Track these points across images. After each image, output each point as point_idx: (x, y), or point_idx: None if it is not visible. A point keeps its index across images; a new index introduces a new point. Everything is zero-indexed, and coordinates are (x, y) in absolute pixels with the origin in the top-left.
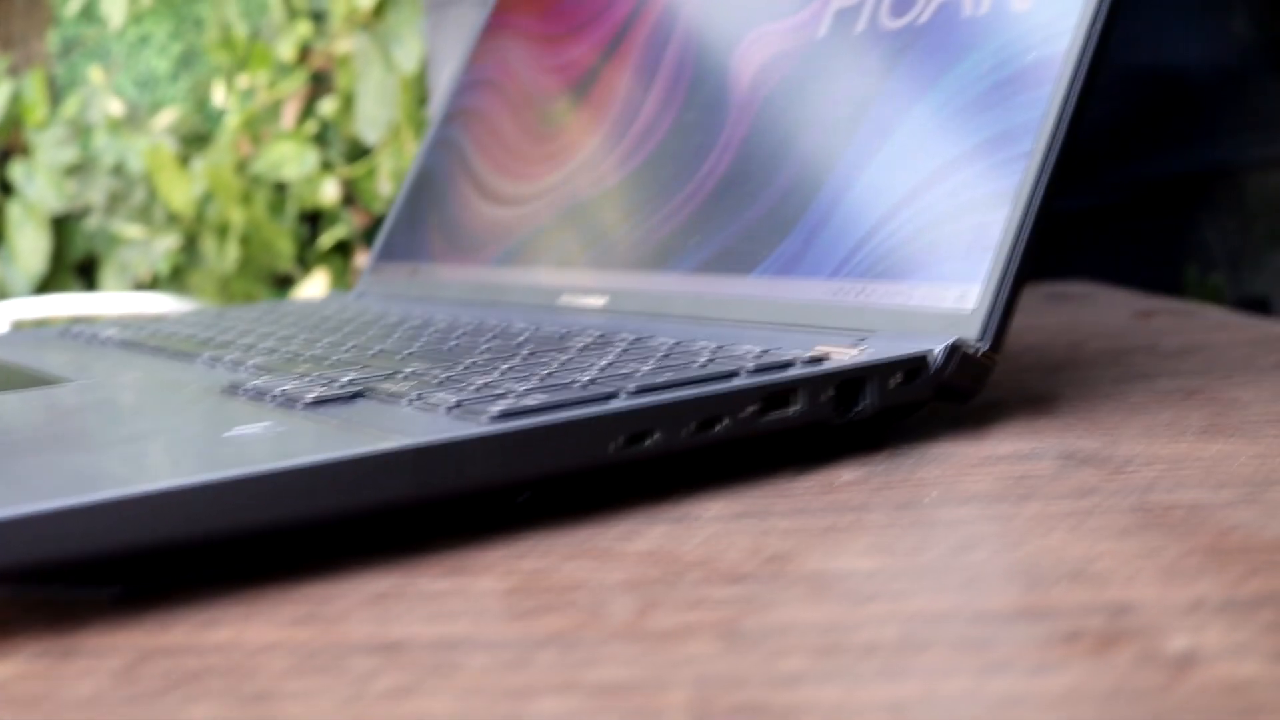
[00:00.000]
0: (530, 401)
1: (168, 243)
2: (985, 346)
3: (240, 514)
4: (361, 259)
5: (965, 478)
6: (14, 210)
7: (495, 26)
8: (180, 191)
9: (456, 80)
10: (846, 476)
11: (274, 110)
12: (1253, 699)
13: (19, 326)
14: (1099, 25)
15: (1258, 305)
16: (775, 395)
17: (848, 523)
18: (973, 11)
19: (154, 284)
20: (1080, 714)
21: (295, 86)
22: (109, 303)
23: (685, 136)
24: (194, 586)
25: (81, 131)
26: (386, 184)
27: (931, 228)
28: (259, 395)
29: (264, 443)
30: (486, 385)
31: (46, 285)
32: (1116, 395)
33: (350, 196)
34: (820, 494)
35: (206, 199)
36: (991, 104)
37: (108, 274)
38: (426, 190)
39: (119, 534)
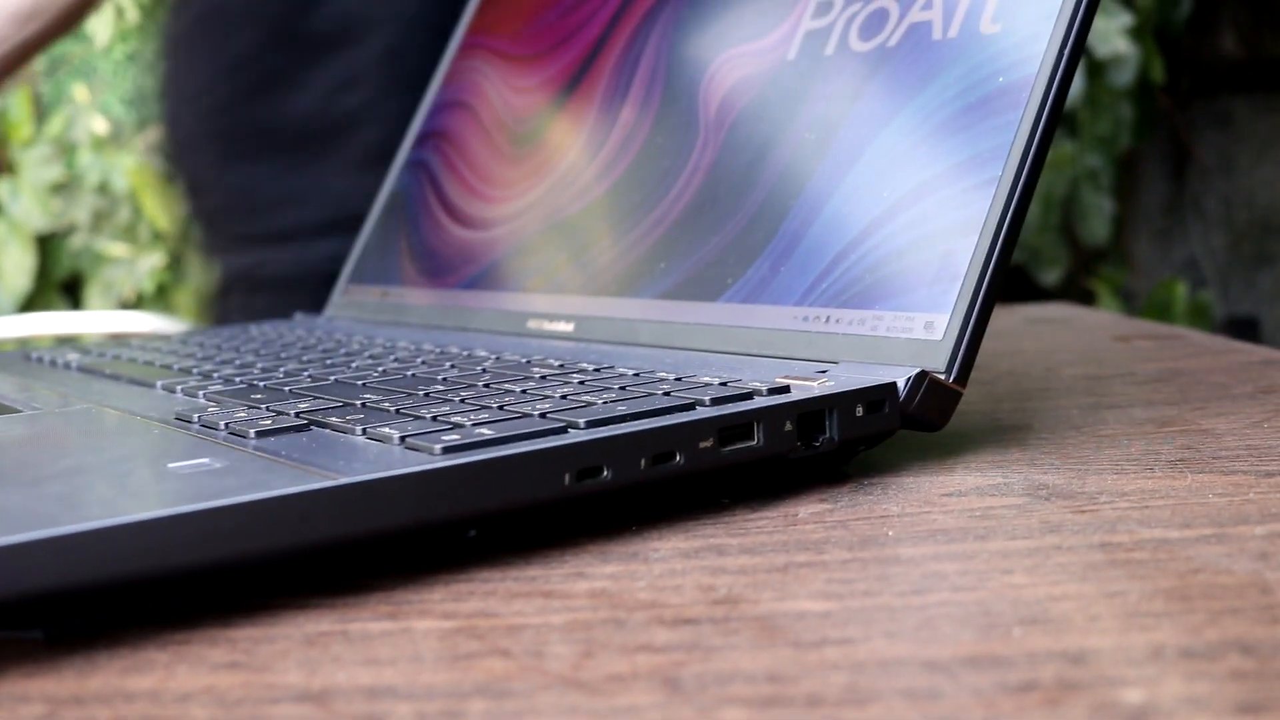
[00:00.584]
0: (480, 435)
1: (152, 261)
2: (952, 376)
3: (172, 553)
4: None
5: (928, 512)
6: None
7: (468, 47)
8: (165, 210)
9: (429, 101)
10: (807, 510)
11: None
12: None
13: (2, 346)
14: (1069, 49)
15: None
16: (732, 428)
17: (804, 560)
18: (942, 34)
19: (139, 302)
20: None
21: None
22: (93, 321)
23: (654, 160)
24: (123, 628)
25: (66, 150)
26: None
27: (899, 255)
28: (208, 427)
29: (201, 479)
30: (439, 417)
31: (31, 303)
32: (1089, 425)
33: None
34: (778, 530)
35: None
36: (960, 128)
37: (93, 292)
38: (398, 213)
39: (44, 575)
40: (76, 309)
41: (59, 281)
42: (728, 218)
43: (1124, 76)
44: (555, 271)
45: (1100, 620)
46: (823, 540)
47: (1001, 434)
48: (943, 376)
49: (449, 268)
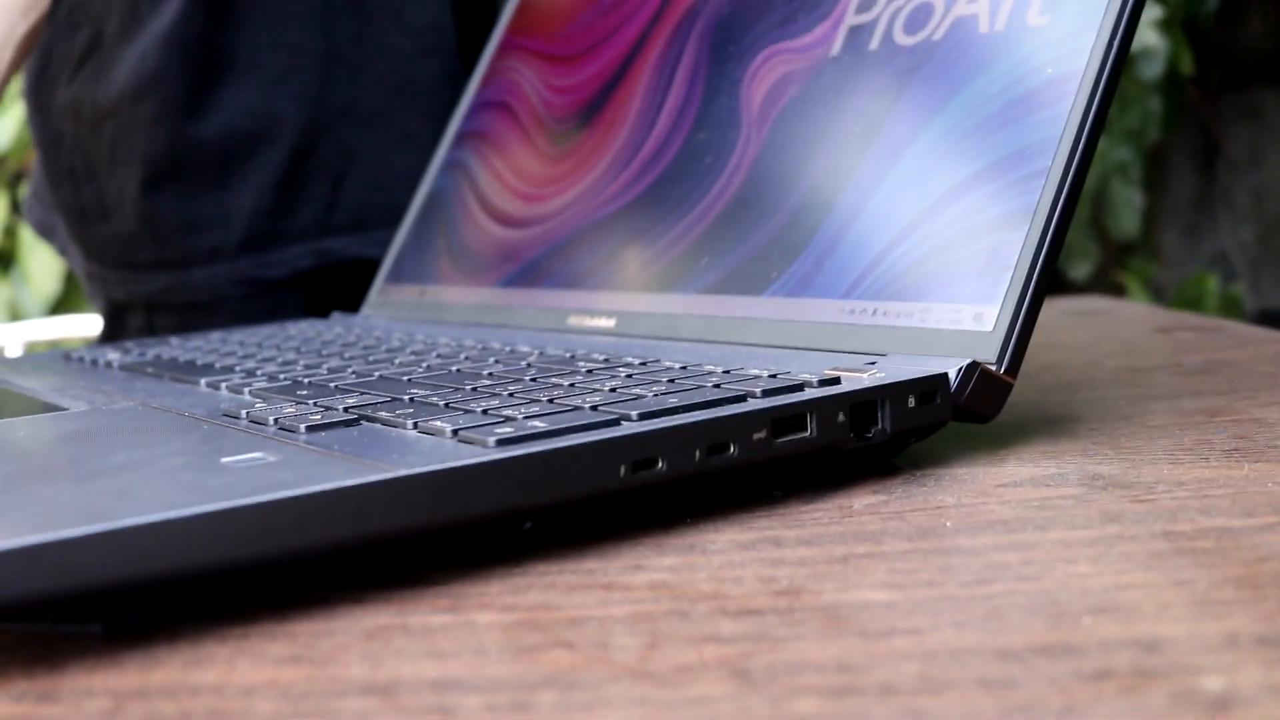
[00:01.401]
0: (533, 427)
1: None
2: (1003, 367)
3: (228, 547)
4: None
5: (985, 503)
6: (26, 232)
7: (506, 48)
8: None
9: (467, 101)
10: (862, 502)
11: None
12: None
13: (32, 348)
14: (1118, 40)
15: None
16: (786, 419)
17: (863, 552)
18: (989, 27)
19: None
20: None
21: None
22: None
23: (696, 157)
24: (182, 623)
25: None
26: None
27: (947, 248)
28: (257, 422)
29: (256, 473)
30: (489, 411)
31: (59, 306)
32: (1138, 416)
33: None
34: (834, 521)
35: None
36: (1008, 121)
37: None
38: (435, 213)
39: (103, 568)
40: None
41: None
42: (771, 213)
43: (1153, 69)
44: (596, 268)
45: (1171, 608)
46: (880, 531)
47: (1051, 425)
48: (994, 367)
49: (488, 266)
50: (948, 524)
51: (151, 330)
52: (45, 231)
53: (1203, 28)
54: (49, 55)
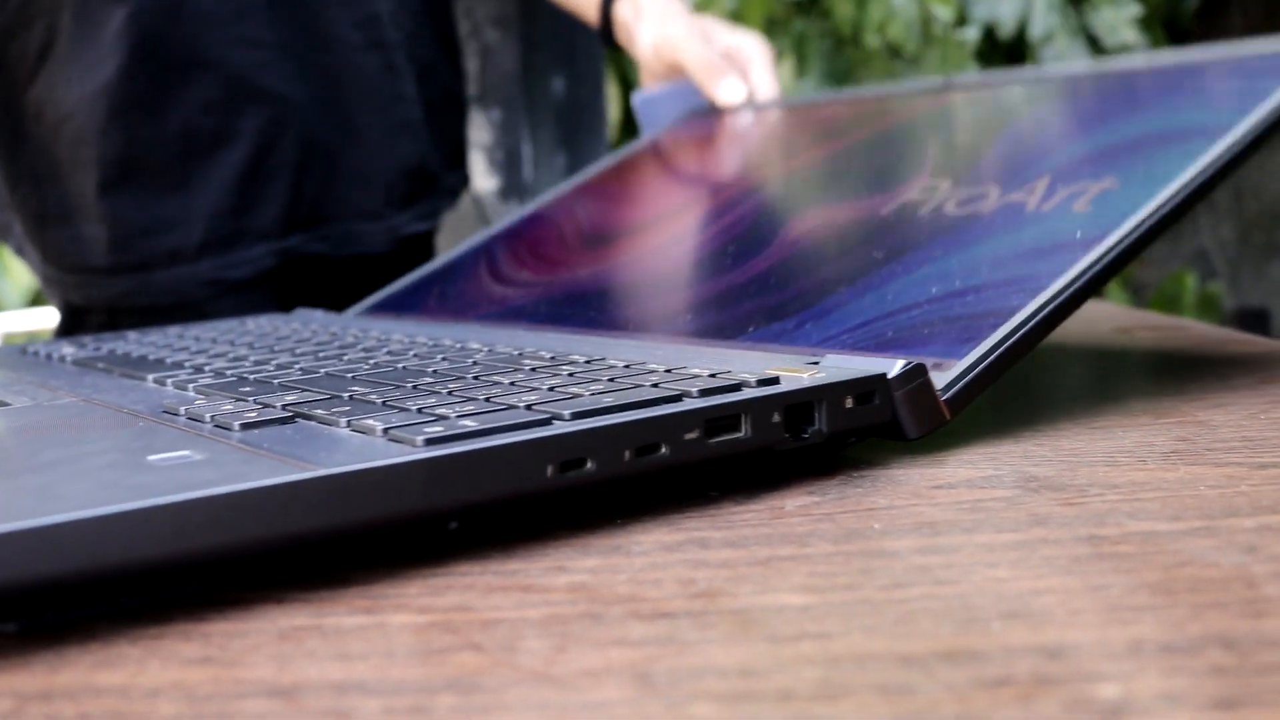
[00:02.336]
0: (463, 426)
1: None
2: (946, 395)
3: (146, 546)
4: None
5: (916, 505)
6: None
7: (575, 192)
8: None
9: (515, 217)
10: (794, 503)
11: None
12: None
13: (11, 339)
14: (1148, 223)
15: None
16: (720, 419)
17: (787, 554)
18: (1035, 208)
19: None
20: None
21: None
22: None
23: (718, 254)
24: (97, 623)
25: None
26: None
27: (926, 324)
28: (194, 419)
29: (180, 471)
30: (424, 409)
31: (40, 299)
32: (1084, 418)
33: None
34: (764, 523)
35: None
36: (1026, 258)
37: None
38: (439, 280)
39: (18, 568)
40: None
41: None
42: (769, 293)
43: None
44: (575, 315)
45: (1082, 614)
46: (808, 533)
47: (996, 425)
48: (938, 390)
49: (470, 306)
50: (876, 526)
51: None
52: (0, 232)
53: (1183, 26)
54: (5, 55)
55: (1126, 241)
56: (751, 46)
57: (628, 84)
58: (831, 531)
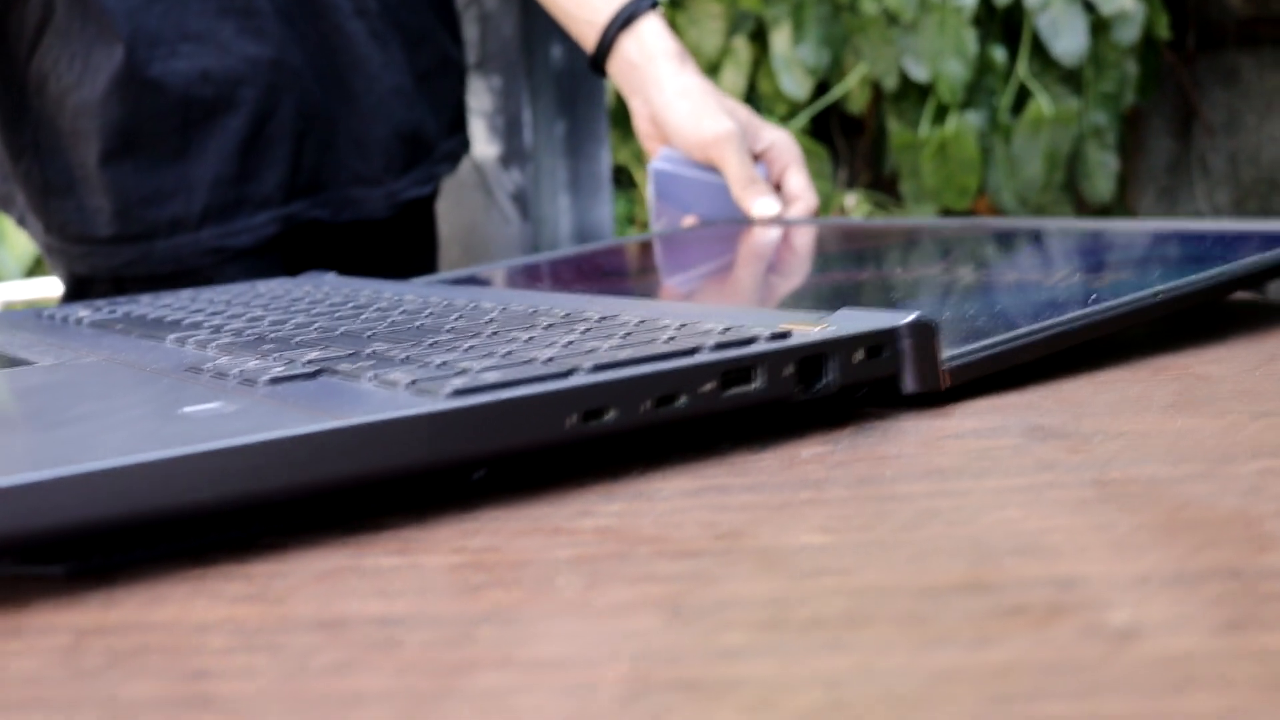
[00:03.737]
0: (487, 379)
1: None
2: (947, 365)
3: (187, 491)
4: None
5: (926, 453)
6: None
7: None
8: None
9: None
10: (809, 452)
11: None
12: (1187, 671)
13: (10, 308)
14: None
15: None
16: (735, 372)
17: (804, 498)
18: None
19: None
20: (1017, 687)
21: None
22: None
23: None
24: (141, 565)
25: None
26: None
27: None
28: (219, 375)
29: (214, 421)
30: (446, 364)
31: (38, 269)
32: (1086, 371)
33: None
34: (780, 470)
35: None
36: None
37: None
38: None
39: (64, 512)
40: None
41: None
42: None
43: (1129, 33)
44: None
45: (1090, 550)
46: (823, 480)
47: (1000, 380)
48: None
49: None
50: (888, 473)
51: None
52: (3, 203)
53: None
54: (4, 28)
55: (1123, 309)
56: (787, 148)
57: None
58: (845, 478)
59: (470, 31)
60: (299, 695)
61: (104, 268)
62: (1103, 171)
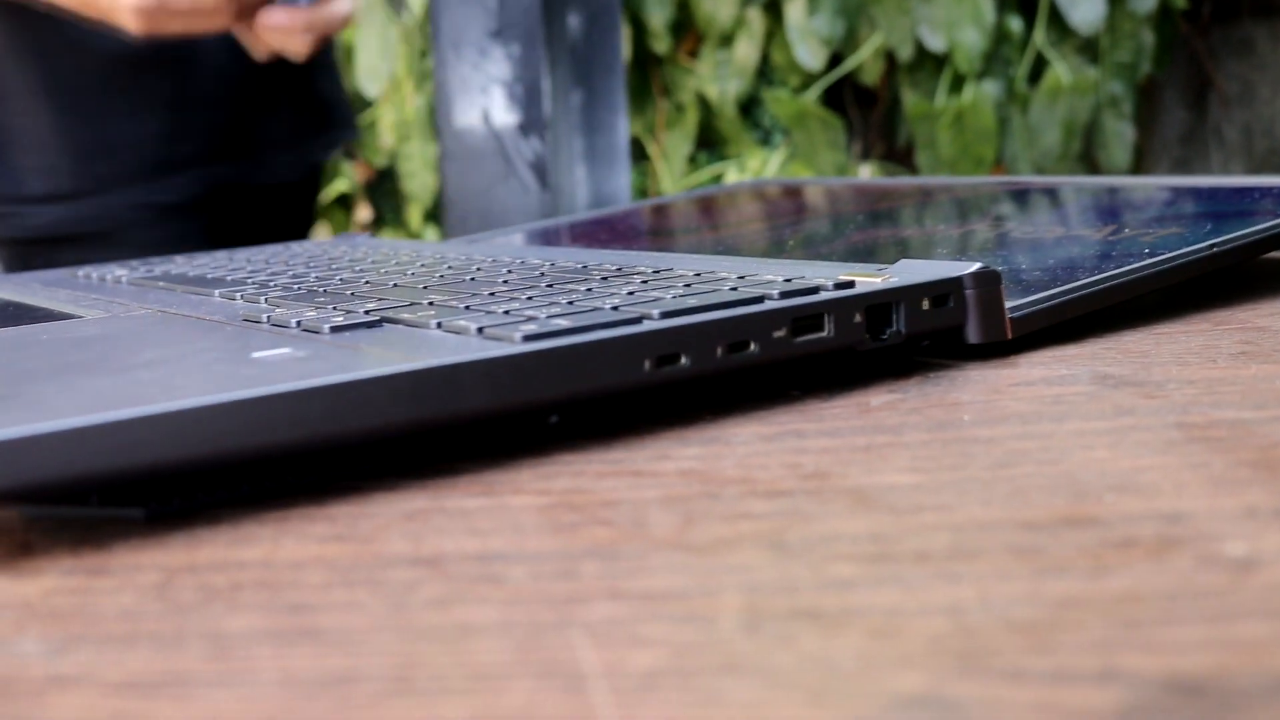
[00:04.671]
0: (558, 325)
1: None
2: (1015, 313)
3: (267, 433)
4: (363, 213)
5: (1000, 399)
6: None
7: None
8: None
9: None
10: (879, 400)
11: None
12: None
13: None
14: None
15: None
16: (804, 319)
17: (884, 442)
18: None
19: None
20: (1144, 613)
21: None
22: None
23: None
24: (220, 509)
25: None
26: (388, 137)
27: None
28: (279, 325)
29: (289, 365)
30: (511, 312)
31: None
32: (1144, 325)
33: (351, 150)
34: (854, 417)
35: None
36: (1095, 259)
37: None
38: None
39: (145, 452)
40: None
41: None
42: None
43: (1145, 3)
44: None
45: (1189, 487)
46: (899, 425)
47: (1057, 334)
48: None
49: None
50: (965, 418)
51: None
52: None
53: None
54: None
55: (1180, 261)
56: None
57: (639, 25)
58: (922, 423)
59: None
60: (409, 627)
61: (32, 227)
62: (1119, 141)
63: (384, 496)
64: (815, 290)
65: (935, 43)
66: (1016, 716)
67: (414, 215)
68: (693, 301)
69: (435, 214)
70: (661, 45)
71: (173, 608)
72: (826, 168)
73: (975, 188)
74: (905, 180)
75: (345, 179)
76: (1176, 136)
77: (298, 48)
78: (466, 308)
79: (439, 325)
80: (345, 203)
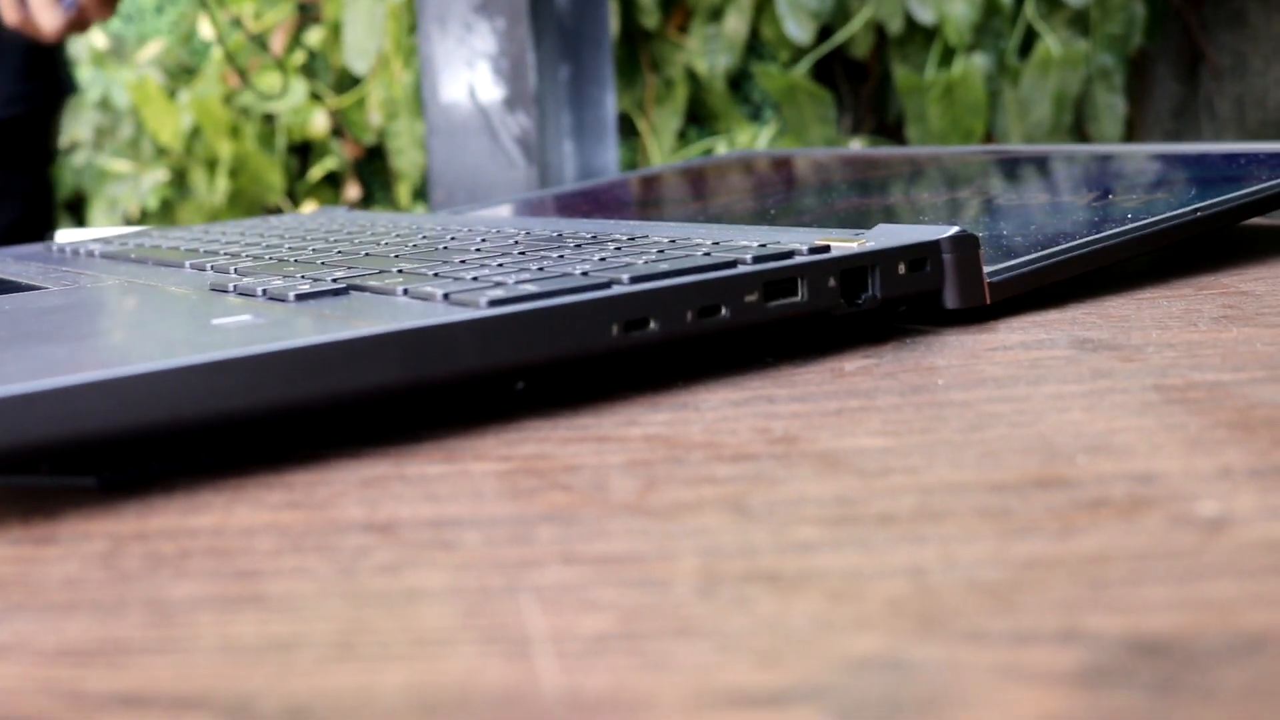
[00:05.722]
0: (525, 289)
1: (156, 177)
2: (992, 277)
3: (222, 399)
4: (352, 191)
5: (976, 364)
6: None
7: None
8: (168, 125)
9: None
10: (853, 365)
11: (261, 41)
12: None
13: None
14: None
15: None
16: (777, 283)
17: (856, 406)
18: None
19: (143, 219)
20: (1112, 573)
21: (282, 16)
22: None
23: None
24: (175, 478)
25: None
26: (376, 114)
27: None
28: (245, 294)
29: (248, 330)
30: (480, 278)
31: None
32: (1125, 290)
33: (339, 128)
34: (827, 382)
35: (194, 132)
36: (1077, 226)
37: (97, 210)
38: None
39: (98, 418)
40: (81, 227)
41: (63, 200)
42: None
43: None
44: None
45: (1164, 448)
46: (873, 389)
47: (1037, 299)
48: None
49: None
50: (940, 382)
51: None
52: None
53: None
54: None
55: (1163, 225)
56: None
57: (628, 0)
58: (896, 387)
59: None
60: (356, 593)
61: None
62: (1110, 114)
63: (344, 464)
64: (790, 255)
65: (925, 15)
66: (974, 678)
67: (403, 193)
68: (664, 266)
69: (424, 191)
70: (651, 20)
71: (117, 576)
72: (816, 142)
73: (962, 156)
74: (892, 150)
75: (334, 157)
76: (1168, 109)
77: (49, 24)
78: (435, 275)
79: (405, 292)
80: (334, 181)
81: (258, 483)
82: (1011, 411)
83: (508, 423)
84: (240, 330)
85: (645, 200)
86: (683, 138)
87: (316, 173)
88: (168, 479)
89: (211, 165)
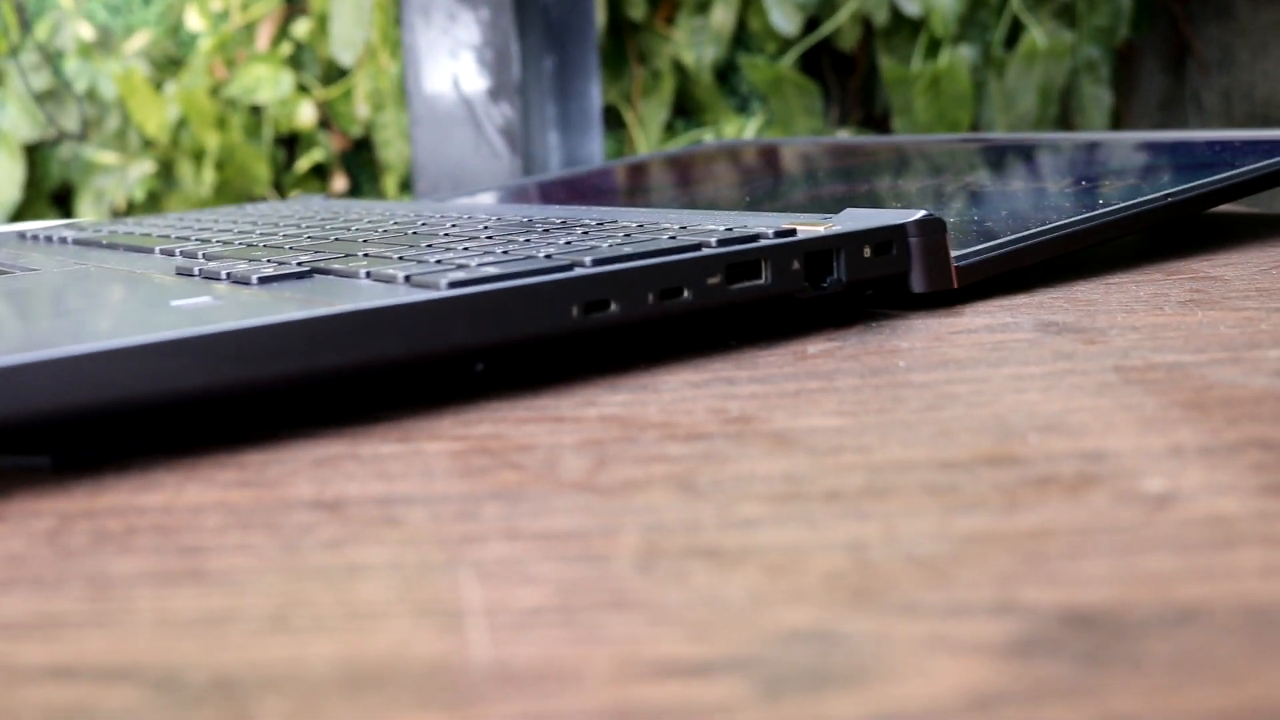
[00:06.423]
0: (486, 271)
1: (143, 168)
2: (960, 261)
3: (176, 378)
4: (339, 183)
5: (939, 346)
6: None
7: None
8: (154, 116)
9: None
10: (816, 348)
11: (248, 32)
12: (1234, 530)
13: None
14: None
15: None
16: (740, 265)
17: (815, 387)
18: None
19: (130, 210)
20: (1052, 547)
21: (269, 8)
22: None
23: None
24: (131, 458)
25: (52, 57)
26: (363, 106)
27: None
28: (210, 277)
29: (205, 310)
30: (443, 261)
31: (21, 214)
32: (1095, 275)
33: (326, 119)
34: (788, 364)
35: (181, 124)
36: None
37: (84, 201)
38: None
39: (50, 397)
40: (68, 219)
41: (49, 191)
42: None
43: None
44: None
45: (1118, 428)
46: (833, 371)
47: (1006, 283)
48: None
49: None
50: (901, 364)
51: None
52: None
53: None
54: None
55: (1134, 211)
56: None
57: None
58: (857, 369)
59: None
60: (296, 568)
61: None
62: (1097, 106)
63: (300, 444)
64: (755, 239)
65: (911, 7)
66: (903, 649)
67: (390, 184)
68: (628, 249)
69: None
70: (637, 12)
71: (60, 552)
72: (803, 134)
73: (943, 145)
74: (874, 139)
75: (322, 149)
76: (1155, 102)
77: None
78: (399, 258)
79: (368, 274)
80: (321, 173)
81: (211, 462)
82: (970, 392)
83: (466, 404)
84: (196, 311)
85: (623, 188)
86: (670, 129)
87: (304, 164)
88: (123, 459)
89: (198, 157)
